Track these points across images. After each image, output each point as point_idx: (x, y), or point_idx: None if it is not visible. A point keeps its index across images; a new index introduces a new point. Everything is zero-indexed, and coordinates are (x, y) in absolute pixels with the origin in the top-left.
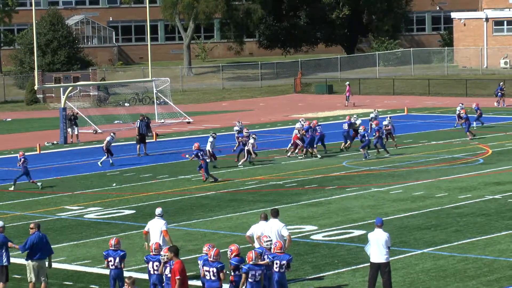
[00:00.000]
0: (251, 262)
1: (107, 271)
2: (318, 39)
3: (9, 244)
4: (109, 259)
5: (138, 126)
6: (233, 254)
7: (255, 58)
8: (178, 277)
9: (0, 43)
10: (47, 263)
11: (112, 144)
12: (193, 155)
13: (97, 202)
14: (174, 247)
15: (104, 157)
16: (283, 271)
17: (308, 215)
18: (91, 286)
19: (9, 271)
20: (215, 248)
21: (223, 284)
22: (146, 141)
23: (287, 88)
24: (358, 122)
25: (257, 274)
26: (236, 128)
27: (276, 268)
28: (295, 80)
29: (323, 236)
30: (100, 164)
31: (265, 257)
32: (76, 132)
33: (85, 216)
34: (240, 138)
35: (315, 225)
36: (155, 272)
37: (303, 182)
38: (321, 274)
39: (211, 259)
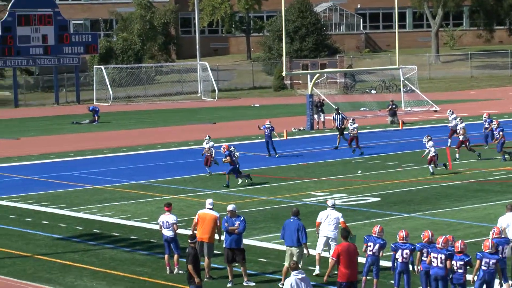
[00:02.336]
0: (487, 251)
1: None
2: None
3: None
4: (369, 244)
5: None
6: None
7: (505, 46)
8: (333, 258)
9: (250, 30)
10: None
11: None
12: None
13: (342, 188)
14: (347, 231)
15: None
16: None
17: None
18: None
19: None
20: (443, 236)
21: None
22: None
23: None
24: None
25: (490, 262)
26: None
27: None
28: None
29: None
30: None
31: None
32: (322, 119)
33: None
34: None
35: None
36: (404, 260)
37: None
38: None
39: (439, 246)
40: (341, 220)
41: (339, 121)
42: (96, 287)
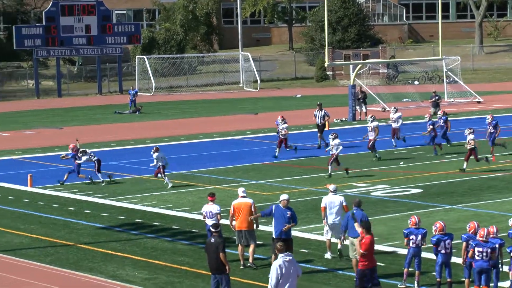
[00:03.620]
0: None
1: (393, 248)
2: None
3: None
4: (411, 237)
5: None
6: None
7: None
8: (363, 252)
9: (292, 20)
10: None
11: (403, 123)
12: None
13: (384, 180)
14: (367, 223)
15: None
16: None
17: None
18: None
19: None
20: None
21: None
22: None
23: None
24: None
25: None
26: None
27: None
28: None
29: None
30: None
31: None
32: (364, 110)
33: (372, 194)
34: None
35: None
36: (446, 251)
37: None
38: None
39: (483, 239)
40: (344, 204)
41: (320, 117)
42: (138, 276)
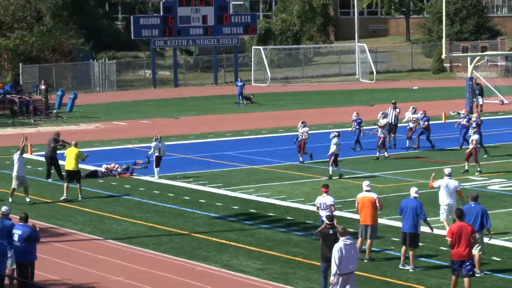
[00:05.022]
0: None
1: (510, 244)
2: None
3: None
4: None
5: None
6: None
7: None
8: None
9: (409, 12)
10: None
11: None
12: None
13: (502, 174)
14: (461, 210)
15: None
16: None
17: None
18: (492, 258)
19: None
20: None
21: None
22: None
23: None
24: None
25: None
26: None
27: None
28: None
29: None
30: None
31: None
32: (480, 103)
33: (488, 187)
34: None
35: None
36: None
37: None
38: None
39: None
40: (458, 189)
41: (395, 117)
42: (252, 266)
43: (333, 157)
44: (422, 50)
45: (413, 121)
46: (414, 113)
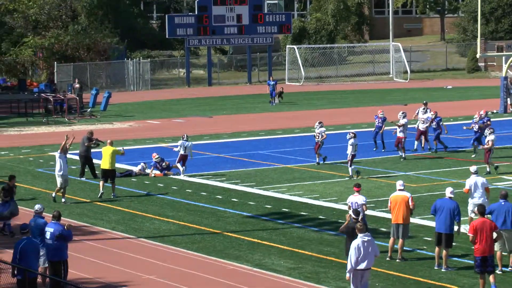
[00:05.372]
0: None
1: None
2: None
3: None
4: None
5: None
6: None
7: None
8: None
9: (444, 11)
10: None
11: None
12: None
13: None
14: (483, 207)
15: None
16: None
17: None
18: None
19: None
20: None
21: None
22: None
23: None
24: None
25: None
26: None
27: None
28: None
29: None
30: None
31: None
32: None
33: None
34: None
35: None
36: None
37: None
38: None
39: None
40: (486, 186)
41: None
42: (283, 265)
43: (350, 158)
44: (456, 49)
45: (422, 121)
46: (424, 113)
